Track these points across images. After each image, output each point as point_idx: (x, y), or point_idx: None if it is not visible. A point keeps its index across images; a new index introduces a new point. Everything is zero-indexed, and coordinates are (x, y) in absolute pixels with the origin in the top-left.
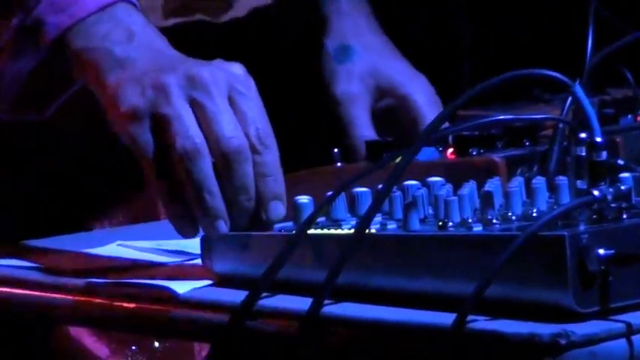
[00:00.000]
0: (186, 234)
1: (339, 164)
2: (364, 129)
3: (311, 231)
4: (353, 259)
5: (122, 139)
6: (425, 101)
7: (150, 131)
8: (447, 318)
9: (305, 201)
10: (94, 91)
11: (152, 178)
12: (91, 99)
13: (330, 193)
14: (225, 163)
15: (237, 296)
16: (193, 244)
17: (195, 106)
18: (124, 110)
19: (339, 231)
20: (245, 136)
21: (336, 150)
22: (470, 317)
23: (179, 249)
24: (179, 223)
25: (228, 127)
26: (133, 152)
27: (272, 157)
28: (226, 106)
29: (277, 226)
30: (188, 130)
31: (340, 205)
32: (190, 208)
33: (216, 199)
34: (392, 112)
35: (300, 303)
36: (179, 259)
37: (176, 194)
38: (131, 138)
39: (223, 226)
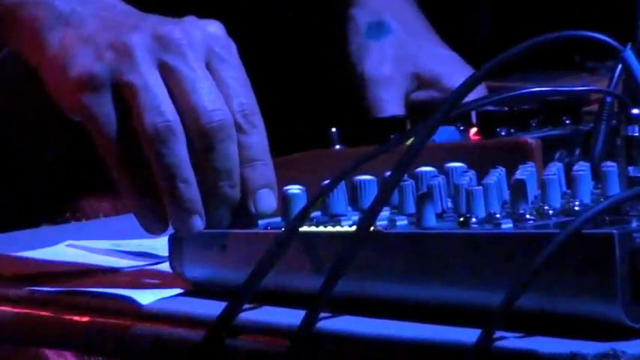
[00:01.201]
0: (153, 231)
1: (337, 147)
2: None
3: (304, 228)
4: (354, 263)
5: (72, 113)
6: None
7: (111, 104)
8: (470, 335)
9: (296, 191)
10: (29, 58)
11: (112, 162)
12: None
13: (326, 182)
14: (204, 142)
15: (213, 308)
16: (159, 245)
17: (166, 72)
18: (76, 77)
19: (337, 228)
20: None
21: (334, 130)
22: (498, 334)
23: (142, 250)
24: (145, 219)
25: (208, 97)
26: (88, 130)
27: (259, 137)
28: (205, 73)
29: (262, 222)
30: (159, 103)
31: (339, 196)
32: (159, 200)
33: (191, 189)
34: (433, 105)
35: (291, 316)
36: (142, 263)
37: (142, 183)
38: (86, 112)
39: (199, 222)
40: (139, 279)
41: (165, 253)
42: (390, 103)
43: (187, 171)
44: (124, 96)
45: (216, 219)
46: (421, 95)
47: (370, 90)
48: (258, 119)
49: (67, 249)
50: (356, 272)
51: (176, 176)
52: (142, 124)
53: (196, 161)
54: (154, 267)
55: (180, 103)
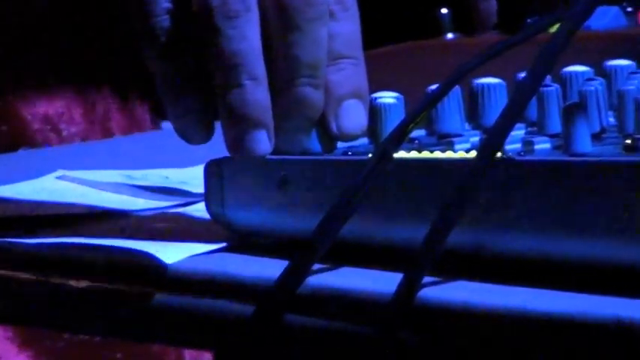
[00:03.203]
0: (193, 138)
1: (450, 35)
2: None
3: (400, 154)
4: (473, 206)
5: None
6: None
7: None
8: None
9: (390, 101)
10: None
11: (147, 42)
12: None
13: (434, 87)
14: (285, 20)
15: (269, 269)
16: (190, 177)
17: None
18: None
19: (450, 154)
20: None
21: (444, 11)
22: None
23: (166, 184)
24: (182, 120)
25: None
26: None
27: (353, 25)
28: None
29: (342, 146)
30: None
31: (453, 108)
32: (207, 97)
33: (261, 90)
34: None
35: (381, 281)
36: (166, 204)
37: (185, 73)
38: None
39: (265, 140)
40: (162, 227)
41: (200, 189)
42: None
43: (259, 63)
44: None
45: (286, 139)
46: None
47: None
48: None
49: (58, 182)
50: (474, 219)
51: (242, 69)
52: None
53: (267, 52)
54: (183, 209)
55: None
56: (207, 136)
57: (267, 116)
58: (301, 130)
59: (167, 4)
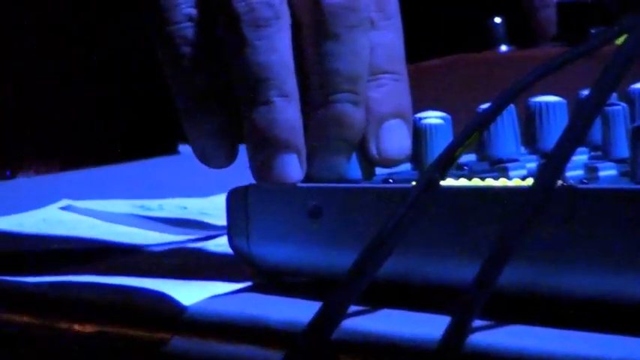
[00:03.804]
0: (212, 162)
1: (503, 47)
2: None
3: (448, 182)
4: (529, 240)
5: None
6: None
7: None
8: None
9: (437, 122)
10: None
11: (164, 52)
12: None
13: (485, 106)
14: (322, 28)
15: (299, 311)
16: (212, 207)
17: None
18: None
19: (504, 182)
20: None
21: (497, 20)
22: None
23: (184, 216)
24: (205, 144)
25: None
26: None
27: (395, 35)
28: None
29: (380, 172)
30: None
31: (507, 129)
32: (233, 118)
33: (292, 108)
34: None
35: (426, 325)
36: (183, 238)
37: (205, 87)
38: None
39: (296, 165)
40: (179, 264)
41: (221, 221)
42: None
43: (289, 78)
44: None
45: (321, 165)
46: None
47: None
48: (394, 6)
49: (62, 213)
50: (531, 255)
51: (271, 84)
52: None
53: (298, 64)
54: (203, 244)
55: None
56: (229, 159)
57: (299, 138)
58: (339, 153)
59: (188, 10)
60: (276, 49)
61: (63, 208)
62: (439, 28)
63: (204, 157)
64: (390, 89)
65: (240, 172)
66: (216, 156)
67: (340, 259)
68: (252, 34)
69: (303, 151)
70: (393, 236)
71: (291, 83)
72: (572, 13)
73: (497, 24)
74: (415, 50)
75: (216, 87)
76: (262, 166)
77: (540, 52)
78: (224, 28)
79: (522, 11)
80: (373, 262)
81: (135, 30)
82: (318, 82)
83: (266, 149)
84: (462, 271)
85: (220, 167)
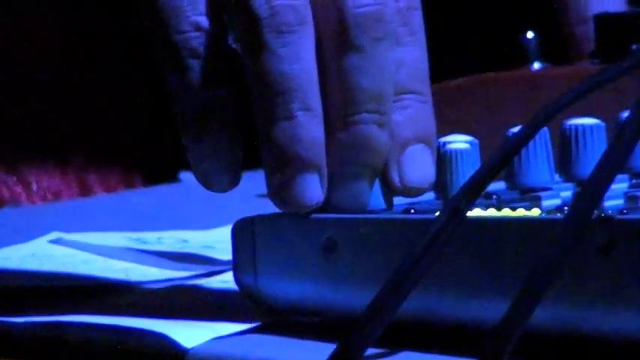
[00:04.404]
0: (215, 184)
1: (536, 65)
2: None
3: (475, 213)
4: (564, 276)
5: None
6: None
7: None
8: None
9: (463, 146)
10: None
11: (172, 68)
12: None
13: (516, 130)
14: (344, 40)
15: (312, 353)
16: (215, 240)
17: None
18: None
19: (535, 213)
20: None
21: (529, 36)
22: None
23: (185, 250)
24: (209, 166)
25: None
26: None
27: (419, 51)
28: None
29: (400, 201)
30: None
31: (540, 155)
32: (234, 132)
33: (315, 123)
34: None
35: None
36: (185, 274)
37: (217, 108)
38: None
39: (317, 188)
40: (180, 302)
41: (226, 255)
42: None
43: (314, 91)
44: None
45: (342, 192)
46: None
47: None
48: (418, 20)
49: (53, 247)
50: (566, 292)
51: (295, 97)
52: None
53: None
54: (206, 281)
55: None
56: (233, 182)
57: (322, 157)
58: (362, 181)
59: (196, 18)
60: (301, 58)
61: (53, 242)
62: (465, 44)
63: (206, 181)
64: (414, 111)
65: (247, 201)
66: (220, 179)
67: (357, 297)
68: (275, 40)
69: (325, 172)
70: (414, 272)
71: (315, 96)
72: (610, 27)
73: (529, 39)
74: (439, 68)
75: (222, 104)
76: (281, 186)
77: (576, 70)
78: (241, 33)
79: (556, 25)
80: (393, 301)
81: (133, 56)
82: (339, 99)
83: (286, 168)
84: (490, 310)
85: (223, 191)
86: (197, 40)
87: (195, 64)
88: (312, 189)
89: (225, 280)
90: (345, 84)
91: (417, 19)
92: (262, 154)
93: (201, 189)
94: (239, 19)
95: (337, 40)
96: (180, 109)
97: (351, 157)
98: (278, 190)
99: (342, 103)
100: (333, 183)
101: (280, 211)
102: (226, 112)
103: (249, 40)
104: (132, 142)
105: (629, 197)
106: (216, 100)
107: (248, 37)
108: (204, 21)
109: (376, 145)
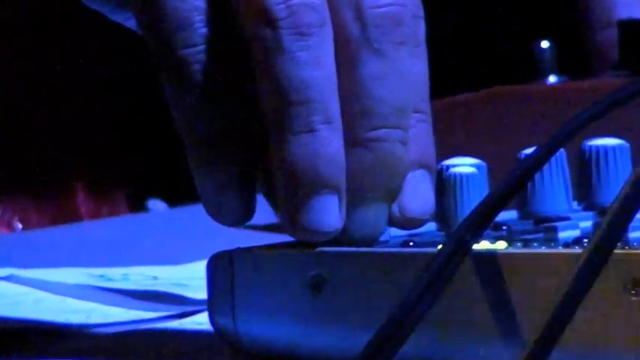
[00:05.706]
0: (233, 218)
1: (552, 78)
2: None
3: (482, 246)
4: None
5: None
6: None
7: None
8: None
9: (468, 170)
10: None
11: (177, 85)
12: None
13: (529, 151)
14: (362, 45)
15: None
16: (184, 276)
17: None
18: None
19: (552, 247)
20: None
21: (544, 45)
22: None
23: (154, 288)
24: (223, 197)
25: None
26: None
27: (422, 66)
28: None
29: (396, 233)
30: None
31: (555, 179)
32: (248, 154)
33: (337, 138)
34: None
35: None
36: (154, 315)
37: (230, 130)
38: None
39: (336, 212)
40: (149, 347)
41: (201, 294)
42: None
43: (335, 101)
44: None
45: (360, 219)
46: None
47: None
48: (422, 31)
49: (4, 285)
50: (586, 333)
51: (316, 107)
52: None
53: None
54: (179, 322)
55: None
56: (249, 213)
57: (342, 177)
58: (381, 205)
59: (205, 30)
60: (322, 64)
61: (4, 278)
62: (471, 55)
63: (218, 213)
64: (416, 132)
65: (223, 233)
66: (235, 211)
67: (348, 340)
68: (294, 43)
69: (345, 195)
70: (414, 312)
71: (336, 107)
72: (637, 35)
73: (543, 49)
74: (442, 82)
75: (235, 126)
76: (296, 209)
77: (598, 84)
78: (255, 36)
79: (575, 33)
80: (390, 345)
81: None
82: (357, 111)
83: (303, 188)
84: (501, 353)
85: (238, 225)
86: (206, 54)
87: (204, 80)
88: (331, 213)
89: (200, 322)
90: (364, 93)
91: (422, 29)
92: (274, 171)
93: (171, 219)
94: (252, 20)
95: (354, 43)
96: (191, 134)
97: (371, 179)
98: (291, 214)
99: (359, 115)
100: (349, 208)
101: (260, 244)
102: (243, 134)
103: (263, 44)
104: (94, 167)
105: None
106: (228, 121)
107: (263, 41)
108: (215, 32)
109: (399, 166)
